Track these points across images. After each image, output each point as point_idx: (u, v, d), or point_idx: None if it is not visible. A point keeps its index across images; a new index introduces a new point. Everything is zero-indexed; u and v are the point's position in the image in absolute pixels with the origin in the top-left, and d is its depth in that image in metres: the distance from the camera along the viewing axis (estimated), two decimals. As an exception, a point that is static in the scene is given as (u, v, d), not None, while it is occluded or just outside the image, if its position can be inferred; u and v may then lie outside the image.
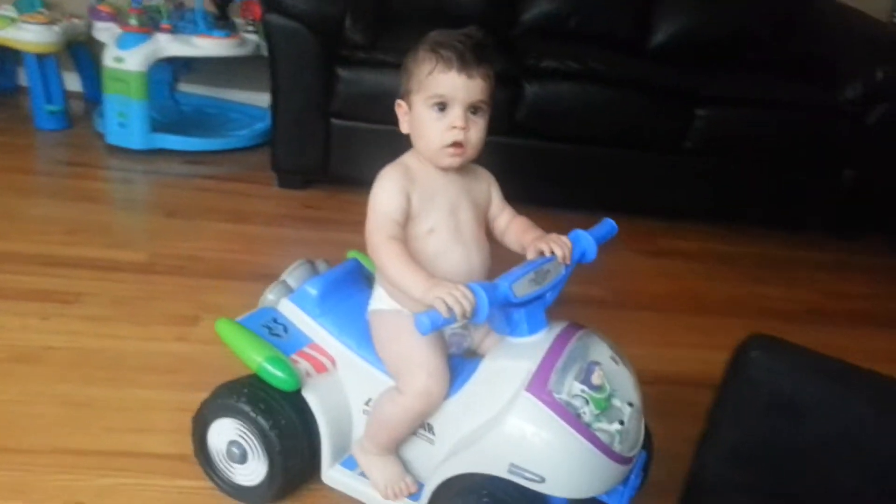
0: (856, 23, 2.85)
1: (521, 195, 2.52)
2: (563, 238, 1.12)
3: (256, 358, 1.16)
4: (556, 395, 1.00)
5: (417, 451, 1.19)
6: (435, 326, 0.93)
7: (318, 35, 2.32)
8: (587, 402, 1.01)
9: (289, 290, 1.32)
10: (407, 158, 1.17)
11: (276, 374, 1.14)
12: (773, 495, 0.97)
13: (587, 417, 1.01)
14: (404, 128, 1.15)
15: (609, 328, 1.15)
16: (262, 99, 2.76)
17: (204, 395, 1.46)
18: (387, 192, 1.11)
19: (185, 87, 3.23)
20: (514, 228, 1.22)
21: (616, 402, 1.04)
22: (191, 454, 1.28)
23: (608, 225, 1.18)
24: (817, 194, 2.68)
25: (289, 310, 1.28)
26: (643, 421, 1.10)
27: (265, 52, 2.42)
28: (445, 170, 1.14)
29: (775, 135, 2.55)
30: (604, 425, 1.02)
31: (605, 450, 1.01)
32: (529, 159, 2.50)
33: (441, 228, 1.14)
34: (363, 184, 2.55)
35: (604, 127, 2.48)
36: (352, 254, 1.44)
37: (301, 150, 2.50)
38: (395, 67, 2.34)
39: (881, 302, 2.36)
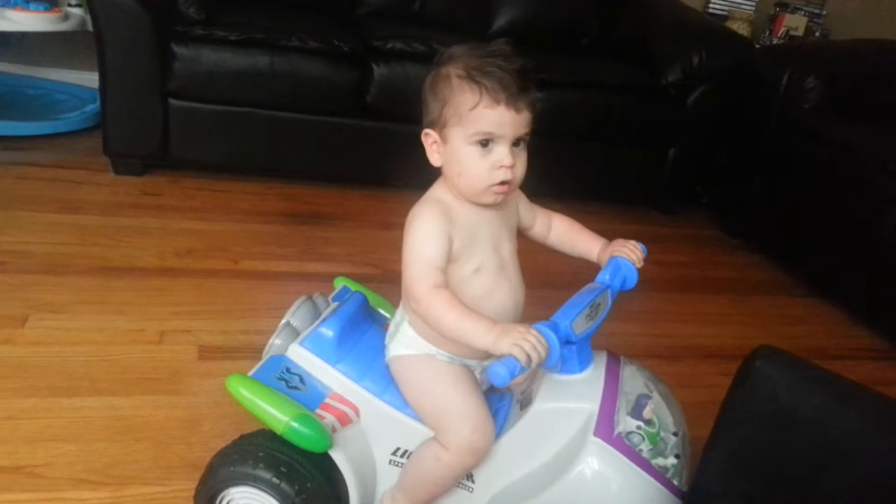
0: (674, 12, 3.10)
1: (376, 177, 2.53)
2: (633, 242, 1.10)
3: (283, 418, 1.00)
4: (624, 439, 0.96)
5: (453, 501, 1.09)
6: (513, 376, 0.85)
7: (148, 9, 2.18)
8: (643, 438, 0.98)
9: (295, 333, 1.17)
10: (440, 193, 1.05)
11: (307, 435, 1.00)
12: (768, 504, 0.97)
13: (646, 454, 0.97)
14: (435, 160, 1.04)
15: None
16: (94, 78, 2.56)
17: (36, 400, 1.35)
18: (430, 237, 1.00)
19: (0, 67, 2.93)
20: (560, 231, 1.20)
21: (663, 433, 1.01)
22: (25, 465, 1.19)
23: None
24: (646, 172, 2.89)
25: (302, 357, 1.11)
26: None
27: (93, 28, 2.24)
28: (485, 205, 1.05)
29: (608, 117, 2.71)
30: (659, 461, 0.98)
31: (670, 486, 0.97)
32: (381, 141, 2.49)
33: (487, 267, 1.05)
34: (207, 168, 2.46)
35: (451, 109, 2.52)
36: (340, 281, 1.31)
37: (136, 132, 2.35)
38: (235, 45, 2.31)
39: (704, 268, 2.59)
